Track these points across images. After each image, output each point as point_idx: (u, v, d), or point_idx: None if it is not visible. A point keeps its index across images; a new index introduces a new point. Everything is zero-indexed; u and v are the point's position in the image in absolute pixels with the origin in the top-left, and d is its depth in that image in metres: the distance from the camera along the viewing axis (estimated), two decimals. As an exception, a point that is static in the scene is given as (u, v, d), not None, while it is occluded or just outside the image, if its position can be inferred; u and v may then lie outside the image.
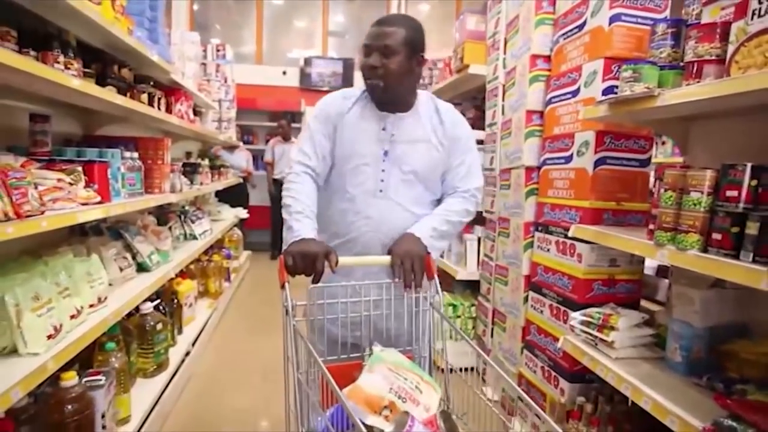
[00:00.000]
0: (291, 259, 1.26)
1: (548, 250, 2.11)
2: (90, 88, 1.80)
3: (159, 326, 2.41)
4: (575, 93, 1.98)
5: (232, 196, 5.52)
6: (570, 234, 1.84)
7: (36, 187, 1.51)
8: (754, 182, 1.13)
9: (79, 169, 1.86)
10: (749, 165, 1.14)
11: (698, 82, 1.29)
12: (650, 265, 2.24)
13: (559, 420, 1.88)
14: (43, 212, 1.48)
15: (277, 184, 5.89)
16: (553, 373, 2.01)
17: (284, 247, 1.33)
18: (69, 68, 1.76)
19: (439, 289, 1.36)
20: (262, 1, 7.43)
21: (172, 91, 3.12)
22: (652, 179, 1.94)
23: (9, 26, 1.54)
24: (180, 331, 3.03)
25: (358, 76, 5.93)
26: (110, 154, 2.10)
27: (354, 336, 1.31)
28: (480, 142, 3.00)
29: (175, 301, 2.98)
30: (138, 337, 2.35)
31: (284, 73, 7.23)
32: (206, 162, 4.52)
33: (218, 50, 5.35)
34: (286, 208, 1.42)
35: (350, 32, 8.12)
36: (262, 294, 4.80)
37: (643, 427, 1.53)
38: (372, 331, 1.33)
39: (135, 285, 2.25)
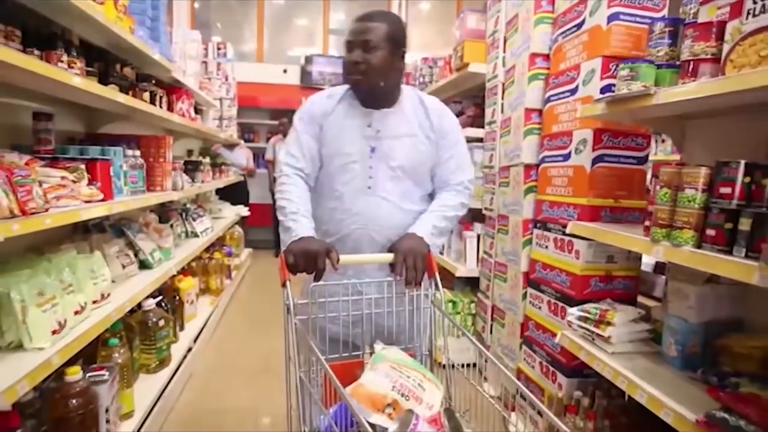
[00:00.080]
0: (292, 257, 1.27)
1: (546, 246, 2.13)
2: (93, 86, 1.82)
3: (161, 323, 2.43)
4: (574, 91, 1.99)
5: (233, 193, 5.54)
6: (568, 231, 1.86)
7: (40, 185, 1.53)
8: (748, 179, 1.15)
9: (82, 167, 1.88)
10: (743, 162, 1.16)
11: (694, 80, 1.30)
12: (648, 261, 2.26)
13: (557, 415, 1.89)
14: (47, 210, 1.50)
15: (278, 183, 5.87)
16: (552, 369, 2.03)
17: (283, 248, 1.34)
18: (72, 67, 1.78)
19: (440, 286, 1.36)
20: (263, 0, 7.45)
21: (173, 90, 3.14)
22: (649, 177, 1.96)
23: (14, 26, 1.56)
24: (182, 328, 3.06)
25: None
26: (113, 152, 2.12)
27: (354, 334, 1.32)
28: (480, 139, 3.03)
29: (177, 298, 3.00)
30: (140, 333, 2.37)
31: (285, 71, 7.22)
32: (207, 160, 4.54)
33: (219, 48, 5.36)
34: (281, 210, 1.42)
35: (351, 30, 8.12)
36: (262, 291, 4.82)
37: (639, 420, 1.55)
38: (372, 329, 1.33)
39: (137, 282, 2.27)
